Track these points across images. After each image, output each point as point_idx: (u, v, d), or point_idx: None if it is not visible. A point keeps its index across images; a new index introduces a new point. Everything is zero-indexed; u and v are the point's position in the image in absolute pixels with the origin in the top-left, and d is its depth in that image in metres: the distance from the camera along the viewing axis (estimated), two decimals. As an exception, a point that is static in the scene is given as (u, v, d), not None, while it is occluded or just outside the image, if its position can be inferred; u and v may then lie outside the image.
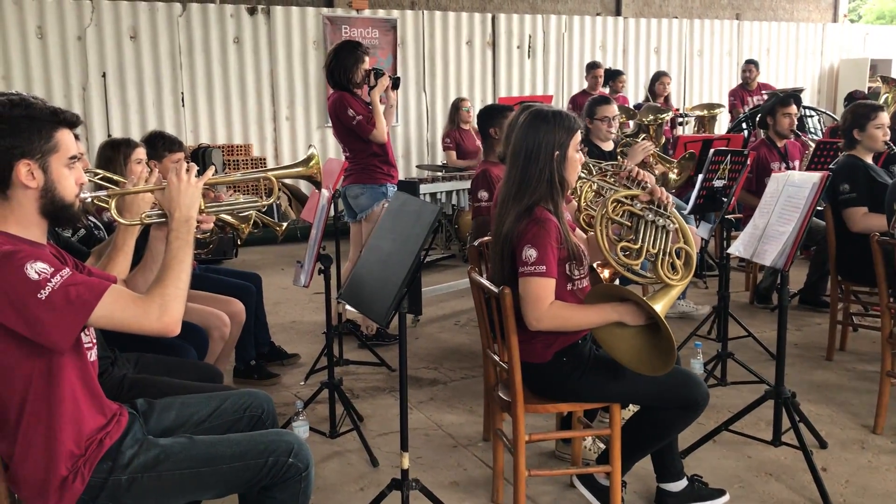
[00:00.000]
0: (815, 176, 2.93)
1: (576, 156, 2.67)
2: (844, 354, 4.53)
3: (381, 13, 9.85)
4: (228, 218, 3.35)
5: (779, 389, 3.07)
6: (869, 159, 4.40)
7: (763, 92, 9.17)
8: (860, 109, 4.42)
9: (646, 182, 3.17)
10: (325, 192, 3.41)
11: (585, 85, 8.91)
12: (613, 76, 9.06)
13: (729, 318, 4.20)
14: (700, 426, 3.17)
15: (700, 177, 4.33)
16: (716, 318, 4.54)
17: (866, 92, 9.59)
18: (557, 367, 2.63)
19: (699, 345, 4.05)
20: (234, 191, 6.97)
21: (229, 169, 8.62)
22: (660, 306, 2.49)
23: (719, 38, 12.06)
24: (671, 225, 2.63)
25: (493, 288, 2.63)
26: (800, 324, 5.14)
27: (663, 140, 6.77)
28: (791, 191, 3.01)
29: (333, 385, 3.53)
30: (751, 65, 9.46)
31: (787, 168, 5.54)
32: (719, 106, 7.80)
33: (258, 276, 4.33)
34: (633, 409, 2.96)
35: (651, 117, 6.84)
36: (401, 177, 6.49)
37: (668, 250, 2.62)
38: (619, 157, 5.21)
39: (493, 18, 10.66)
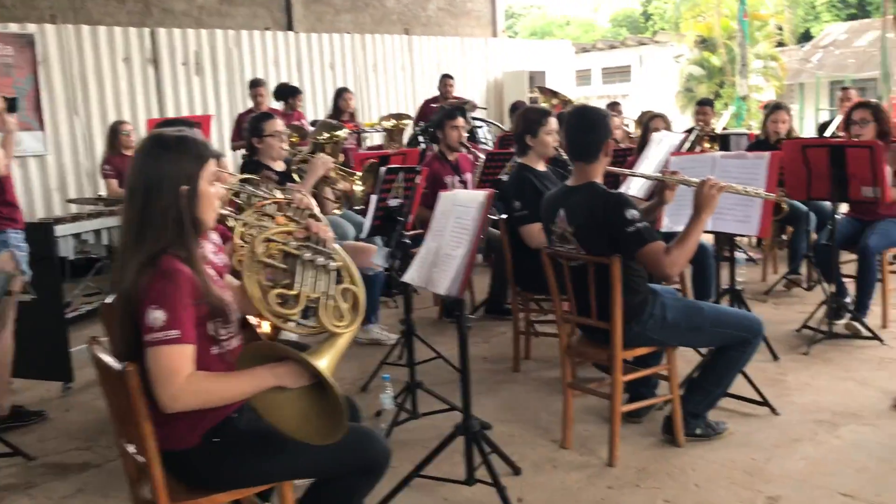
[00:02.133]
0: (480, 195, 2.76)
1: (210, 190, 2.19)
2: (530, 363, 4.54)
3: (14, 27, 8.52)
4: None
5: (466, 424, 2.86)
6: (541, 166, 4.41)
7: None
8: (531, 115, 4.40)
9: (312, 211, 2.77)
10: None
11: (250, 104, 8.39)
12: (292, 93, 8.64)
13: (417, 341, 4.00)
14: (395, 469, 2.85)
15: (373, 197, 4.07)
16: (405, 343, 4.33)
17: (527, 102, 10.23)
18: (208, 451, 2.13)
19: (387, 377, 3.77)
20: None
21: None
22: (325, 361, 2.11)
23: (391, 52, 12.22)
24: (333, 263, 2.26)
25: (114, 364, 2.07)
26: (487, 335, 5.13)
27: (342, 158, 6.50)
28: (459, 211, 2.81)
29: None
30: (447, 78, 9.61)
31: (461, 181, 5.53)
32: (407, 117, 7.74)
33: None
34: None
35: (326, 135, 6.55)
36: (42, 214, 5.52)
37: (332, 293, 2.24)
38: (295, 177, 4.83)
39: (153, 33, 9.76)
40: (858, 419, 3.58)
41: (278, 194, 3.52)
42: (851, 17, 32.93)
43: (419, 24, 15.25)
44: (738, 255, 6.45)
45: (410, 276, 2.96)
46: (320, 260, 2.27)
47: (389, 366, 4.29)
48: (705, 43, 22.27)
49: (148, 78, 9.65)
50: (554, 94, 8.10)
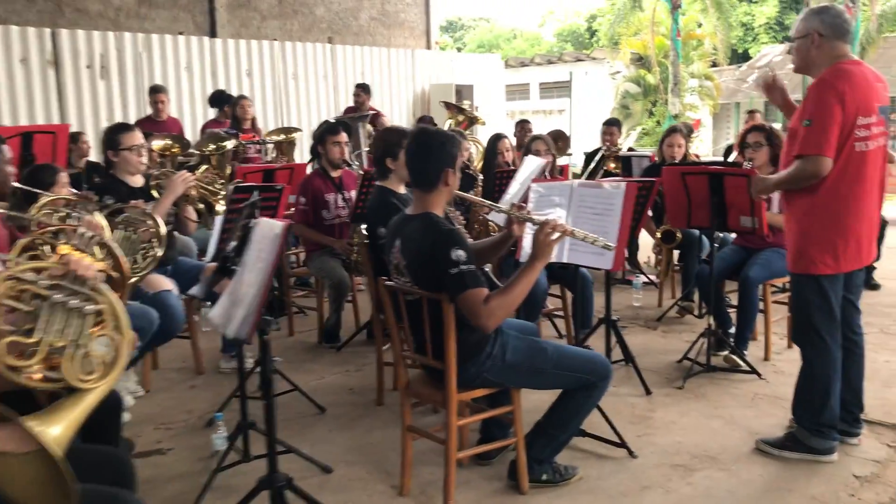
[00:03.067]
0: (277, 226, 2.51)
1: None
2: (397, 396, 4.30)
3: None
4: None
5: (270, 478, 2.60)
6: (402, 189, 4.20)
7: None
8: (390, 137, 4.18)
9: (101, 238, 2.48)
10: None
11: (150, 111, 8.02)
12: (227, 101, 8.22)
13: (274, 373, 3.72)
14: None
15: (219, 219, 3.78)
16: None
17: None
18: None
19: (220, 416, 3.49)
20: None
21: None
22: (57, 429, 1.83)
23: (313, 61, 11.94)
24: (90, 306, 1.99)
25: None
26: (361, 362, 4.88)
27: (229, 170, 6.20)
28: (261, 242, 2.56)
29: None
30: (360, 89, 9.33)
31: (345, 199, 5.28)
32: (296, 130, 7.45)
33: None
34: None
35: (212, 146, 6.25)
36: None
37: (82, 342, 1.97)
38: (155, 193, 4.52)
39: (54, 34, 9.33)
40: (716, 463, 3.42)
41: (97, 216, 3.23)
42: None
43: (350, 33, 15.00)
44: (635, 279, 6.37)
45: (214, 313, 2.69)
46: (74, 302, 1.99)
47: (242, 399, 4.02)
48: (641, 61, 22.47)
49: (48, 81, 9.23)
50: (460, 109, 7.91)
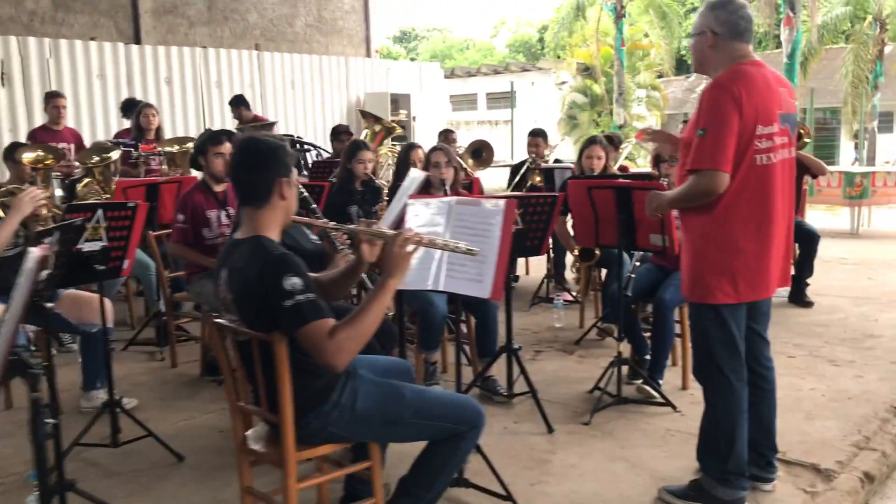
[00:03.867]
0: (35, 253, 2.05)
1: None
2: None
3: None
4: None
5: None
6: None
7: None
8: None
9: None
10: None
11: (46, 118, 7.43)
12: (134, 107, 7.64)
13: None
14: None
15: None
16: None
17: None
18: None
19: (34, 475, 2.98)
20: None
21: None
22: None
23: (238, 69, 11.42)
24: None
25: None
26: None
27: (113, 185, 5.69)
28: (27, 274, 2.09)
29: None
30: (232, 105, 8.85)
31: (228, 216, 4.80)
32: (191, 140, 6.91)
33: None
34: None
35: (96, 158, 5.73)
36: None
37: None
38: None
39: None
40: (610, 518, 3.02)
41: None
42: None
43: (285, 40, 14.52)
44: (557, 299, 5.98)
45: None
46: None
47: (83, 447, 3.54)
48: (588, 71, 22.31)
49: (-58, 87, 8.64)
50: (377, 119, 7.47)
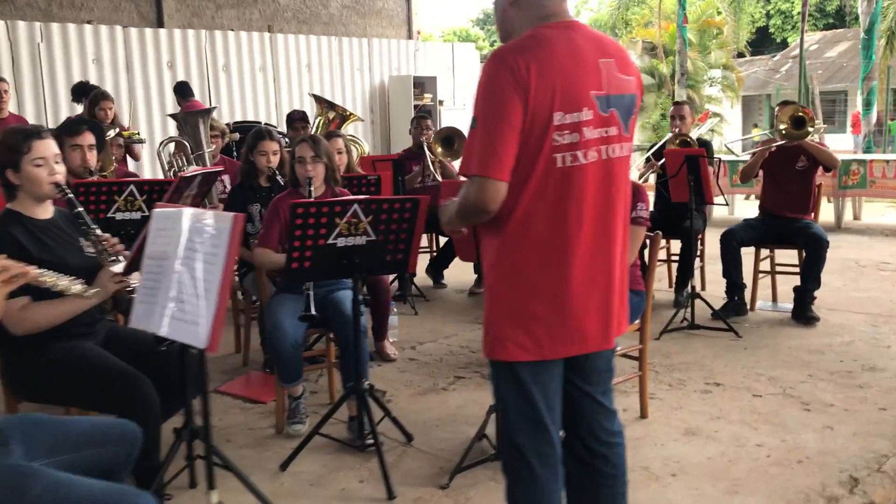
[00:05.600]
0: None
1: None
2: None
3: None
4: None
5: None
6: (41, 213, 3.09)
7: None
8: (11, 141, 2.82)
9: None
10: None
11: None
12: (88, 93, 7.20)
13: None
14: None
15: None
16: None
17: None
18: None
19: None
20: None
21: None
22: None
23: (248, 52, 10.92)
24: None
25: None
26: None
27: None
28: None
29: None
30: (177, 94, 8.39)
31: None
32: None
33: None
34: None
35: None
36: None
37: None
38: None
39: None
40: None
41: None
42: (829, 27, 31.62)
43: (319, 22, 13.97)
44: (392, 317, 4.96)
45: None
46: None
47: None
48: (654, 51, 20.96)
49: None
50: (331, 106, 6.75)
